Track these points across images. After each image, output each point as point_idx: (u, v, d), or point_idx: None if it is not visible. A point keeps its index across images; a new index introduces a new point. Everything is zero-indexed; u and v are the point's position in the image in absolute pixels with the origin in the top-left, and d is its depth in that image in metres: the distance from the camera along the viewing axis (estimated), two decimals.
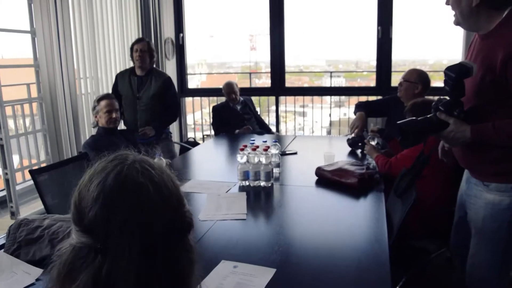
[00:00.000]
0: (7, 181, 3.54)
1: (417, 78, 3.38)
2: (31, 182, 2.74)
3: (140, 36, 5.14)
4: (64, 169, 2.84)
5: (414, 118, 1.92)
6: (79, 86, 4.22)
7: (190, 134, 6.30)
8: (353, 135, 3.53)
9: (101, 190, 0.76)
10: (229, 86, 4.84)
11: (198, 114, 6.96)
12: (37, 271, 1.64)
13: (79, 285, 0.74)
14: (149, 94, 3.99)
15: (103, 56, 4.59)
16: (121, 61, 4.87)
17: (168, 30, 5.67)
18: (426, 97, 3.23)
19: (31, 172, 2.60)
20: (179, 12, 5.90)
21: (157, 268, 0.76)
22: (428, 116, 1.87)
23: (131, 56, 4.04)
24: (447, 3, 1.83)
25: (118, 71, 4.71)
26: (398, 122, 1.91)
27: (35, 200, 3.78)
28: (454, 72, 1.74)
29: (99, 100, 3.40)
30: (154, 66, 4.16)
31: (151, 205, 0.77)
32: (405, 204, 2.20)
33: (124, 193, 0.77)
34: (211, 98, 6.25)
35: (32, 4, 3.72)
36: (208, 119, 6.70)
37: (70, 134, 3.98)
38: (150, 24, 5.36)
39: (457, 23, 1.85)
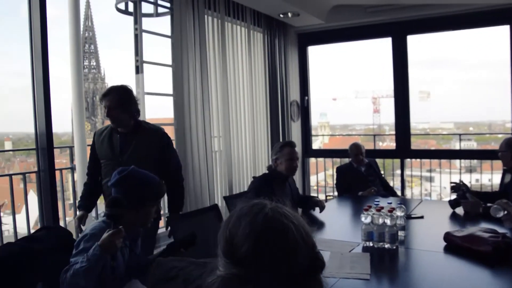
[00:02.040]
0: None
1: (505, 146, 3.49)
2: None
3: (268, 98, 5.44)
4: (198, 218, 3.09)
5: None
6: (212, 144, 4.55)
7: (313, 195, 6.36)
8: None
9: (252, 229, 0.90)
10: (357, 147, 4.85)
11: (320, 175, 7.02)
12: None
13: None
14: (137, 156, 2.91)
15: (234, 117, 4.93)
16: (249, 121, 5.18)
17: (294, 93, 5.95)
18: None
19: (168, 218, 2.87)
20: (305, 76, 6.19)
21: None
22: None
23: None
24: None
25: (247, 132, 5.01)
26: None
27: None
28: None
29: (282, 146, 3.58)
30: (141, 119, 3.19)
31: (294, 243, 0.88)
32: None
33: (272, 232, 0.89)
34: (333, 159, 6.30)
35: (174, 72, 4.23)
36: (329, 180, 6.72)
37: (199, 187, 4.27)
38: (277, 87, 5.67)
39: None
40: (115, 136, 2.99)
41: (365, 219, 2.67)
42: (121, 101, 2.90)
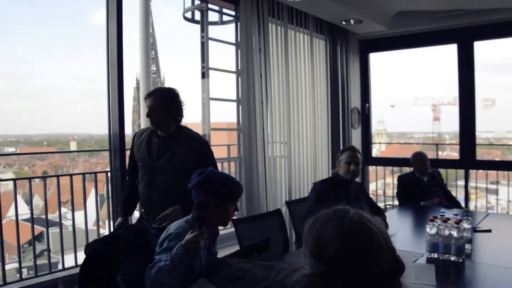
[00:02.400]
0: None
1: None
2: (232, 229, 3.09)
3: (329, 104, 5.45)
4: (260, 221, 3.21)
5: None
6: (273, 149, 4.63)
7: None
8: None
9: (340, 231, 0.97)
10: (422, 156, 4.74)
11: (375, 184, 6.93)
12: None
13: None
14: (173, 162, 2.76)
15: (296, 123, 4.98)
16: (311, 128, 5.21)
17: (355, 100, 5.92)
18: None
19: (233, 221, 2.96)
20: (366, 82, 6.15)
21: None
22: None
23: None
24: None
25: (308, 138, 5.05)
26: None
27: (234, 246, 4.20)
28: None
29: (342, 151, 3.61)
30: (183, 125, 2.95)
31: (379, 246, 0.95)
32: None
33: (359, 234, 0.96)
34: (393, 168, 6.20)
35: (239, 78, 4.38)
36: (387, 189, 6.62)
37: (261, 191, 4.37)
38: (339, 94, 5.67)
39: None
40: (154, 139, 2.83)
41: (430, 229, 2.64)
42: (164, 103, 2.74)
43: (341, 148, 5.11)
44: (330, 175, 3.74)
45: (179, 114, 2.81)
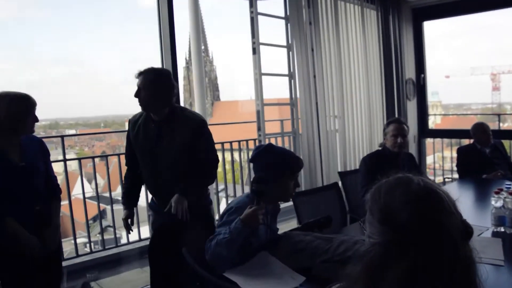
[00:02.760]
0: None
1: None
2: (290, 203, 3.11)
3: (382, 76, 5.30)
4: (318, 195, 3.29)
5: None
6: (328, 123, 4.59)
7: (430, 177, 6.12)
8: None
9: (409, 197, 0.95)
10: (483, 126, 4.51)
11: (432, 157, 6.72)
12: (301, 278, 1.91)
13: (394, 274, 0.90)
14: (172, 147, 2.58)
15: (349, 96, 4.89)
16: (365, 101, 5.10)
17: (409, 71, 5.72)
18: None
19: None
20: (420, 52, 5.91)
21: (457, 259, 0.91)
22: None
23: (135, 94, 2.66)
24: None
25: (363, 111, 4.97)
26: None
27: (293, 219, 4.26)
28: None
29: (388, 123, 3.58)
30: (178, 104, 2.83)
31: (448, 209, 0.94)
32: None
33: (430, 198, 0.95)
34: (448, 140, 5.98)
35: (290, 53, 4.34)
36: (445, 162, 6.41)
37: (317, 165, 4.39)
38: (392, 65, 5.49)
39: None
40: (150, 125, 2.62)
41: (496, 202, 2.53)
42: (152, 84, 2.52)
43: None
44: (379, 148, 3.68)
45: (170, 96, 2.57)
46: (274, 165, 2.19)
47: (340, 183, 3.78)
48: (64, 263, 2.93)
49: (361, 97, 5.06)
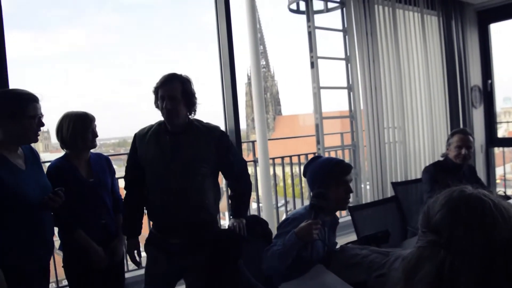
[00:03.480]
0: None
1: None
2: (348, 217, 3.10)
3: (445, 84, 5.14)
4: (376, 208, 3.23)
5: None
6: (387, 135, 4.53)
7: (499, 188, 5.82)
8: None
9: (447, 200, 0.97)
10: None
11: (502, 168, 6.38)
12: None
13: (424, 273, 0.92)
14: (191, 159, 2.33)
15: (410, 107, 4.79)
16: (426, 110, 4.95)
17: (474, 77, 5.50)
18: None
19: (349, 208, 2.97)
20: (487, 57, 5.66)
21: (499, 270, 0.88)
22: None
23: (156, 104, 2.40)
24: None
25: (424, 121, 4.85)
26: None
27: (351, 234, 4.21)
28: None
29: (453, 133, 3.51)
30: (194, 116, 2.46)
31: (492, 218, 0.91)
32: None
33: (468, 203, 0.94)
34: None
35: (349, 65, 4.35)
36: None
37: (378, 177, 4.35)
38: (456, 72, 5.30)
39: None
40: (164, 137, 2.36)
41: None
42: (185, 91, 2.31)
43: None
44: (441, 158, 3.57)
45: (194, 104, 2.37)
46: (319, 177, 2.25)
47: (393, 193, 3.73)
48: (126, 275, 3.05)
49: (422, 106, 4.94)
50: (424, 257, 0.94)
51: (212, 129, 2.41)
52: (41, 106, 2.11)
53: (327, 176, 2.23)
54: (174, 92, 2.29)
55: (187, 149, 2.32)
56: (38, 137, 2.15)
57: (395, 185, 3.86)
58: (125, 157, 2.64)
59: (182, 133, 2.35)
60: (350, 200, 2.36)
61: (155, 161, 2.34)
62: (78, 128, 2.40)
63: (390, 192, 4.19)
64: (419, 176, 4.59)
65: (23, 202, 2.00)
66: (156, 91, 2.34)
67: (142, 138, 2.41)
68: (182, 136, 2.34)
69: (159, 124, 2.40)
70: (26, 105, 2.03)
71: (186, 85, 2.33)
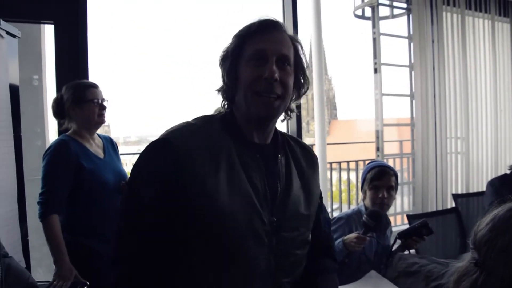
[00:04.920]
0: None
1: None
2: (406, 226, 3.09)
3: None
4: (435, 218, 3.21)
5: None
6: (449, 145, 4.44)
7: None
8: None
9: (493, 218, 0.95)
10: None
11: None
12: None
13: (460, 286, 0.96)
14: (303, 200, 1.24)
15: (475, 116, 4.66)
16: (492, 121, 4.80)
17: None
18: None
19: (408, 216, 2.98)
20: None
21: None
22: None
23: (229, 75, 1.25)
24: None
25: (489, 131, 4.69)
26: None
27: None
28: None
29: None
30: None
31: None
32: None
33: (508, 221, 0.92)
34: None
35: (412, 72, 4.29)
36: None
37: (438, 189, 4.24)
38: None
39: None
40: (246, 155, 1.16)
41: None
42: (298, 60, 1.21)
43: None
44: (508, 171, 3.45)
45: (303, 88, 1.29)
46: (362, 181, 2.42)
47: (453, 205, 3.67)
48: None
49: (487, 117, 4.79)
50: (465, 273, 0.96)
51: (304, 144, 1.37)
52: (101, 91, 2.32)
53: (364, 180, 2.39)
54: (287, 50, 1.17)
55: (287, 173, 1.23)
56: (104, 119, 2.32)
57: (456, 196, 3.78)
58: None
59: (271, 148, 1.23)
60: (390, 205, 2.41)
61: (246, 208, 1.12)
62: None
63: (450, 204, 4.12)
64: (480, 189, 4.47)
65: (99, 185, 2.18)
66: (241, 44, 1.16)
67: (197, 157, 1.09)
68: (271, 153, 1.22)
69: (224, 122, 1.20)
70: (84, 90, 2.24)
71: (300, 51, 1.23)
